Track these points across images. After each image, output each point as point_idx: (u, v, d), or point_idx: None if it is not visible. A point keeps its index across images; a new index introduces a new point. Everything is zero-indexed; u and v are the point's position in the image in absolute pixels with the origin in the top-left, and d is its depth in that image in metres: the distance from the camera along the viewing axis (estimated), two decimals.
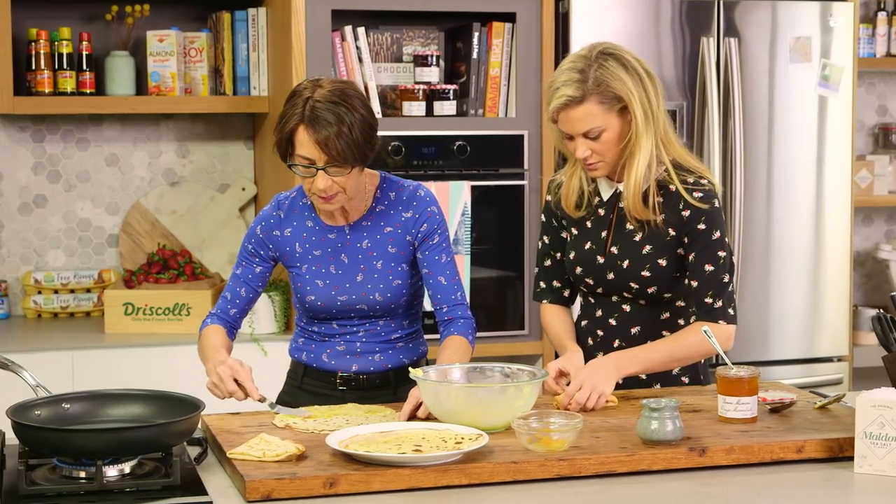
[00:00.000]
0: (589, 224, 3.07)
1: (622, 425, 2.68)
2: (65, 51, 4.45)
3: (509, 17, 4.39)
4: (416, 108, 4.32)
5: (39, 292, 4.64)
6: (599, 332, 3.10)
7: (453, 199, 4.27)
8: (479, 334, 3.18)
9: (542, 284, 3.21)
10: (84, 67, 4.49)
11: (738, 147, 4.46)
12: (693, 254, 2.97)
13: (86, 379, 4.04)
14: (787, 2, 4.53)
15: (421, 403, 2.75)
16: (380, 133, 4.18)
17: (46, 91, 4.43)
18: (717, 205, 2.98)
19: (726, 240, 2.99)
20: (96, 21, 4.62)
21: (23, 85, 4.48)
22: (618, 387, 2.97)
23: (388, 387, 3.08)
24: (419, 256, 3.07)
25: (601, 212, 3.06)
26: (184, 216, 4.78)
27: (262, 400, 2.83)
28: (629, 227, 3.01)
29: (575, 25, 4.33)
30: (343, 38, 4.28)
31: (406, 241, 3.05)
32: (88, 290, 4.68)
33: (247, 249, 3.11)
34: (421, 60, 4.38)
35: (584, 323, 3.15)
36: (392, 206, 3.07)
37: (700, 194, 2.96)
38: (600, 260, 3.04)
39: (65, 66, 4.45)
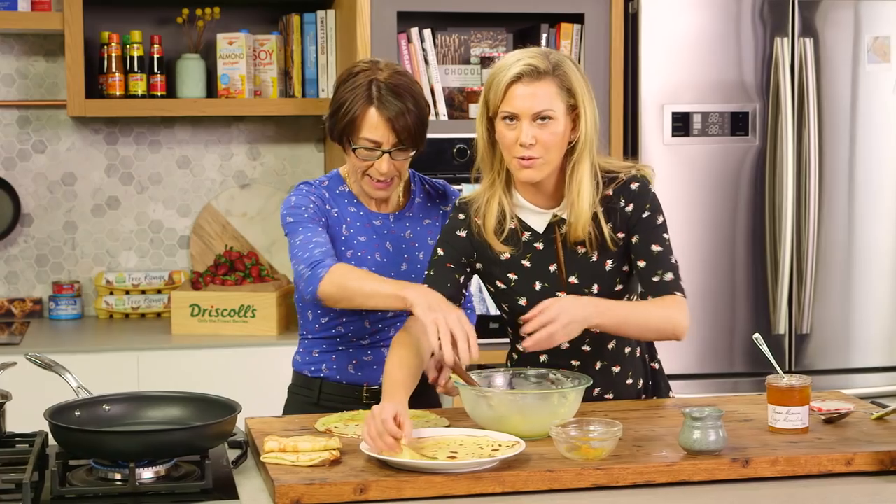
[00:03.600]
0: (527, 263, 2.81)
1: (666, 434, 2.62)
2: (136, 54, 4.50)
3: (578, 18, 4.34)
4: None
5: (111, 293, 4.69)
6: (574, 363, 2.87)
7: None
8: None
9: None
10: (155, 70, 4.53)
11: (813, 149, 4.36)
12: (637, 236, 2.78)
13: (151, 379, 4.07)
14: (871, 1, 4.41)
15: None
16: (447, 135, 4.24)
17: (118, 94, 4.48)
18: (653, 191, 2.80)
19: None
20: (167, 24, 4.66)
21: (95, 88, 4.53)
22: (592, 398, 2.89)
23: (423, 394, 2.91)
24: None
25: (539, 245, 2.81)
26: (254, 218, 4.79)
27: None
28: (580, 250, 2.80)
29: (644, 26, 4.26)
30: (409, 40, 4.26)
31: None
32: (159, 292, 4.72)
33: (309, 210, 2.87)
34: (488, 62, 4.35)
35: (543, 357, 2.87)
36: (430, 198, 3.05)
37: (637, 184, 2.79)
38: (562, 296, 2.77)
39: (136, 69, 4.49)
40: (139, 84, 4.50)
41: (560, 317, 2.60)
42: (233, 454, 2.60)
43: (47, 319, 4.66)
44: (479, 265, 2.87)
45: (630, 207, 2.79)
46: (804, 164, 4.37)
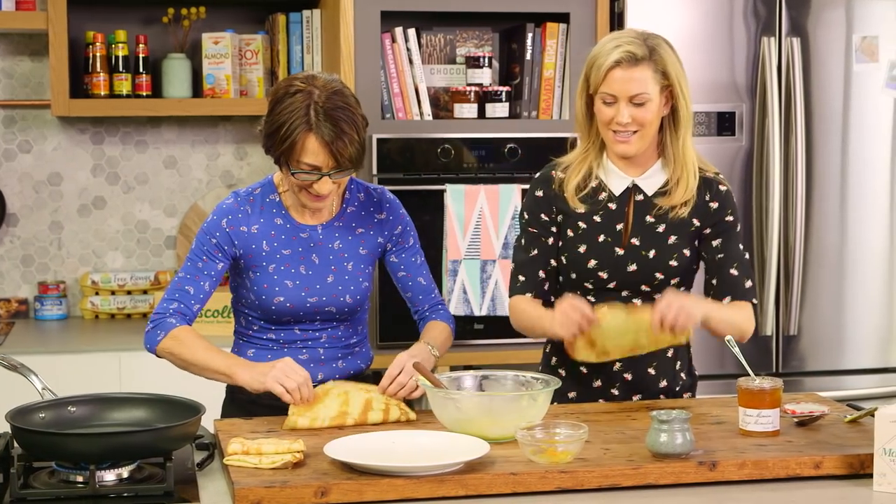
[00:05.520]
0: (598, 219, 2.99)
1: (636, 437, 2.60)
2: (121, 53, 4.48)
3: (563, 18, 4.32)
4: (467, 110, 4.26)
5: (97, 293, 4.68)
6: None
7: (503, 201, 4.20)
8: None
9: (522, 277, 3.04)
10: (140, 70, 4.51)
11: (800, 150, 4.32)
12: (721, 241, 3.00)
13: (132, 380, 4.06)
14: (860, 0, 4.38)
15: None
16: (431, 135, 4.22)
17: (102, 94, 4.46)
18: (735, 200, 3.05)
19: None
20: (153, 24, 4.64)
21: (80, 87, 4.52)
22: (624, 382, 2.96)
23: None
24: (393, 260, 3.03)
25: (612, 206, 2.99)
26: None
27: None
28: (649, 219, 2.98)
29: (629, 24, 4.23)
30: (393, 40, 4.24)
31: (377, 243, 3.01)
32: (145, 292, 4.71)
33: (210, 243, 2.92)
34: (473, 62, 4.32)
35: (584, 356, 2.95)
36: (363, 207, 3.01)
37: (725, 188, 3.02)
38: (619, 251, 2.97)
39: (121, 68, 4.48)
40: (124, 84, 4.48)
41: (673, 303, 2.75)
42: (200, 456, 2.58)
43: (33, 320, 4.65)
44: (559, 217, 3.03)
45: (715, 205, 3.00)
46: (791, 165, 4.34)
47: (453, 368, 4.16)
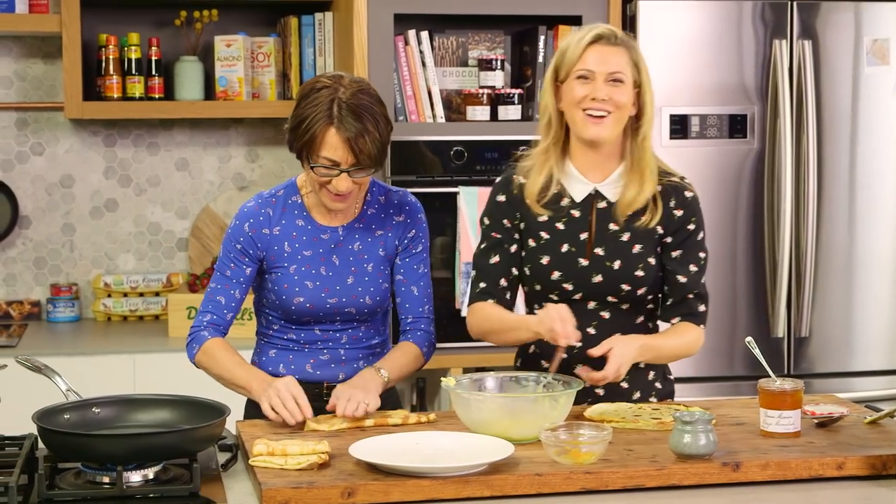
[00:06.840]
0: (561, 226, 2.93)
1: (658, 438, 2.61)
2: (133, 56, 4.49)
3: (575, 21, 4.33)
4: (480, 112, 4.28)
5: (109, 295, 4.69)
6: (576, 343, 2.90)
7: None
8: None
9: (483, 284, 2.98)
10: (153, 72, 4.52)
11: (812, 152, 4.34)
12: (679, 252, 2.95)
13: (146, 382, 4.07)
14: (872, 3, 4.39)
15: None
16: (444, 138, 4.23)
17: (115, 96, 4.48)
18: (701, 206, 3.01)
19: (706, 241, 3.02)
20: (165, 26, 4.66)
21: (93, 90, 4.53)
22: (597, 398, 2.95)
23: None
24: (397, 262, 3.04)
25: (575, 213, 2.93)
26: None
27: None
28: (613, 227, 2.92)
29: (642, 28, 4.25)
30: (406, 43, 4.26)
31: (394, 245, 3.02)
32: (157, 294, 4.72)
33: (235, 249, 2.96)
34: (485, 64, 4.33)
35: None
36: (383, 209, 3.03)
37: (691, 194, 2.97)
38: (583, 262, 2.92)
39: (134, 71, 4.49)
40: (137, 86, 4.49)
41: (622, 364, 2.76)
42: (223, 457, 2.59)
43: (45, 322, 4.66)
44: (522, 224, 2.97)
45: (679, 213, 2.94)
46: (802, 167, 4.36)
47: (466, 371, 4.17)
